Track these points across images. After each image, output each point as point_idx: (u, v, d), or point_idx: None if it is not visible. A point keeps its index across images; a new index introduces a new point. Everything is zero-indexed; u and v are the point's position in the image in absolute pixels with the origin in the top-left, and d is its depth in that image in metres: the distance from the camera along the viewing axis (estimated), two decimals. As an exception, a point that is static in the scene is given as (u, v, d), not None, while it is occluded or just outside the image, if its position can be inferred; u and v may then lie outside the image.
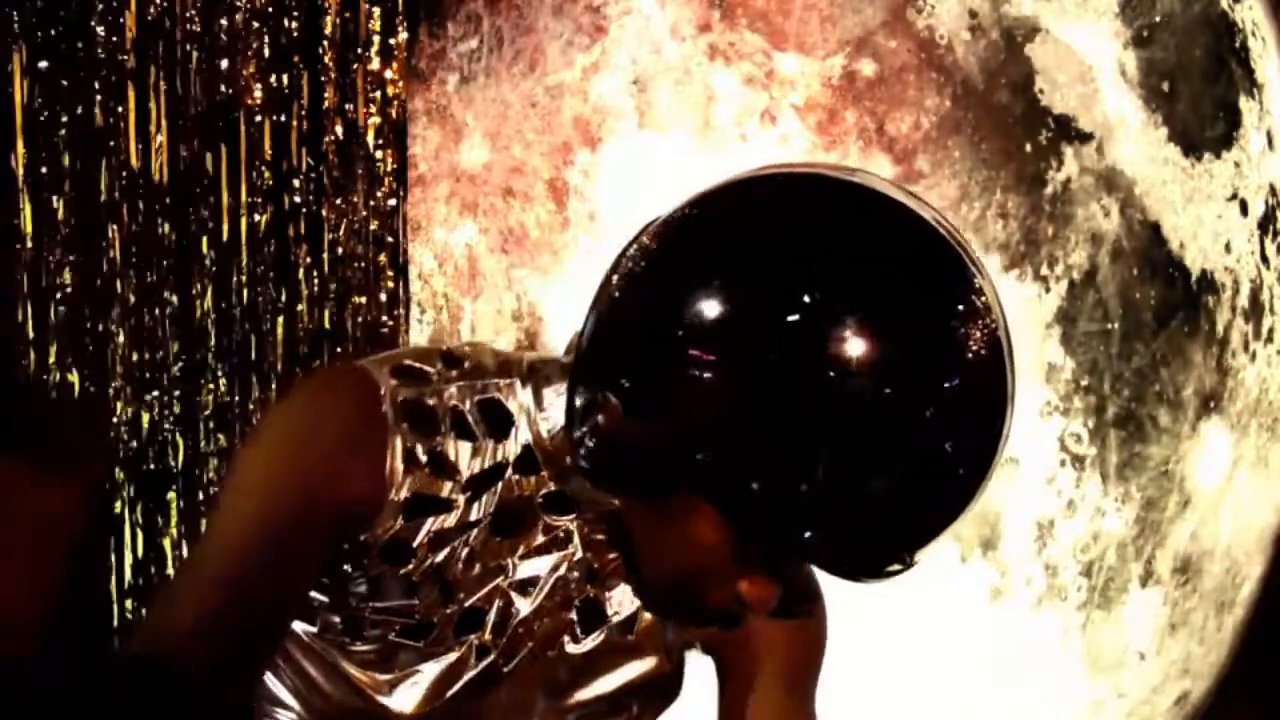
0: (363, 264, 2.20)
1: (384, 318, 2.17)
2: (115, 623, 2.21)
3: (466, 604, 1.15)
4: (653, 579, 1.07)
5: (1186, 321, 2.27)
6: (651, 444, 0.96)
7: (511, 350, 1.20)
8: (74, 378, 2.21)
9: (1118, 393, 2.21)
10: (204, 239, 2.19)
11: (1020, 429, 2.10)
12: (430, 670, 1.16)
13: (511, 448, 1.13)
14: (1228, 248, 2.33)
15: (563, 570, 1.17)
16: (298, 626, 1.19)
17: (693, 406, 0.93)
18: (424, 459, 1.10)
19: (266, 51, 2.17)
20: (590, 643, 1.20)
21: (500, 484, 1.13)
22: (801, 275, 0.92)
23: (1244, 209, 2.35)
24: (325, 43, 2.16)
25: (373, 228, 2.17)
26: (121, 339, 2.21)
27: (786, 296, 0.91)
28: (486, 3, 2.09)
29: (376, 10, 2.16)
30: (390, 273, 2.17)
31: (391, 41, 2.15)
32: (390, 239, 2.16)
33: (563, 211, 2.06)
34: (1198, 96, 2.30)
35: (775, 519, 0.93)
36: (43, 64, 2.16)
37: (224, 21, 2.19)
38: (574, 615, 1.19)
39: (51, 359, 2.20)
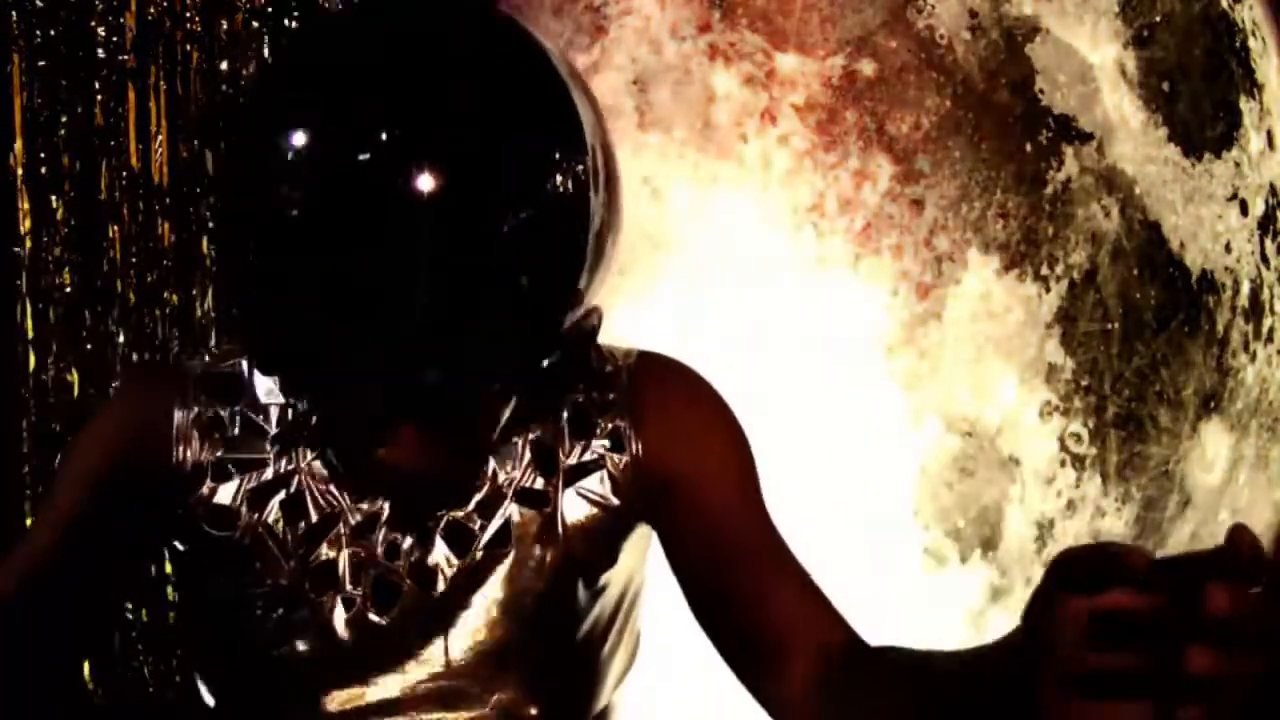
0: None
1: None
2: (116, 622, 2.21)
3: (310, 559, 1.13)
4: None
5: (1186, 321, 2.27)
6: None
7: None
8: (74, 378, 2.21)
9: (1118, 393, 2.21)
10: (204, 239, 2.19)
11: (1020, 429, 2.09)
12: (308, 637, 1.13)
13: None
14: (1228, 248, 2.33)
15: (398, 497, 1.14)
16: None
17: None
18: (227, 422, 1.13)
19: (266, 51, 2.16)
20: (467, 571, 1.14)
21: (288, 421, 1.14)
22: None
23: (1244, 209, 2.35)
24: (325, 43, 2.16)
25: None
26: (121, 339, 2.21)
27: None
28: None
29: (376, 10, 2.15)
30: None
31: (391, 41, 2.15)
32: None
33: (563, 211, 2.06)
34: (1198, 96, 2.30)
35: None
36: (42, 64, 2.16)
37: (224, 22, 2.19)
38: (437, 545, 1.14)
39: (51, 359, 2.20)
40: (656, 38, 2.05)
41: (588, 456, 1.18)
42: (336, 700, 1.14)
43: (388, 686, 1.14)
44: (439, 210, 0.91)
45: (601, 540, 1.19)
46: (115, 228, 2.20)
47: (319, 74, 0.97)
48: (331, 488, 1.13)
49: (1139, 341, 2.23)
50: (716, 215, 2.04)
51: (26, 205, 2.18)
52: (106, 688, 2.22)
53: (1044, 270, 2.15)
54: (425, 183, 0.90)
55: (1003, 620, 2.19)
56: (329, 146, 0.92)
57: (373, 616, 1.13)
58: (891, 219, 2.06)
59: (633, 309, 2.01)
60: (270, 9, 2.17)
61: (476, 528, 1.14)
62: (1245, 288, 2.35)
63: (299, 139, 0.93)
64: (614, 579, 1.22)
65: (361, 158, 0.90)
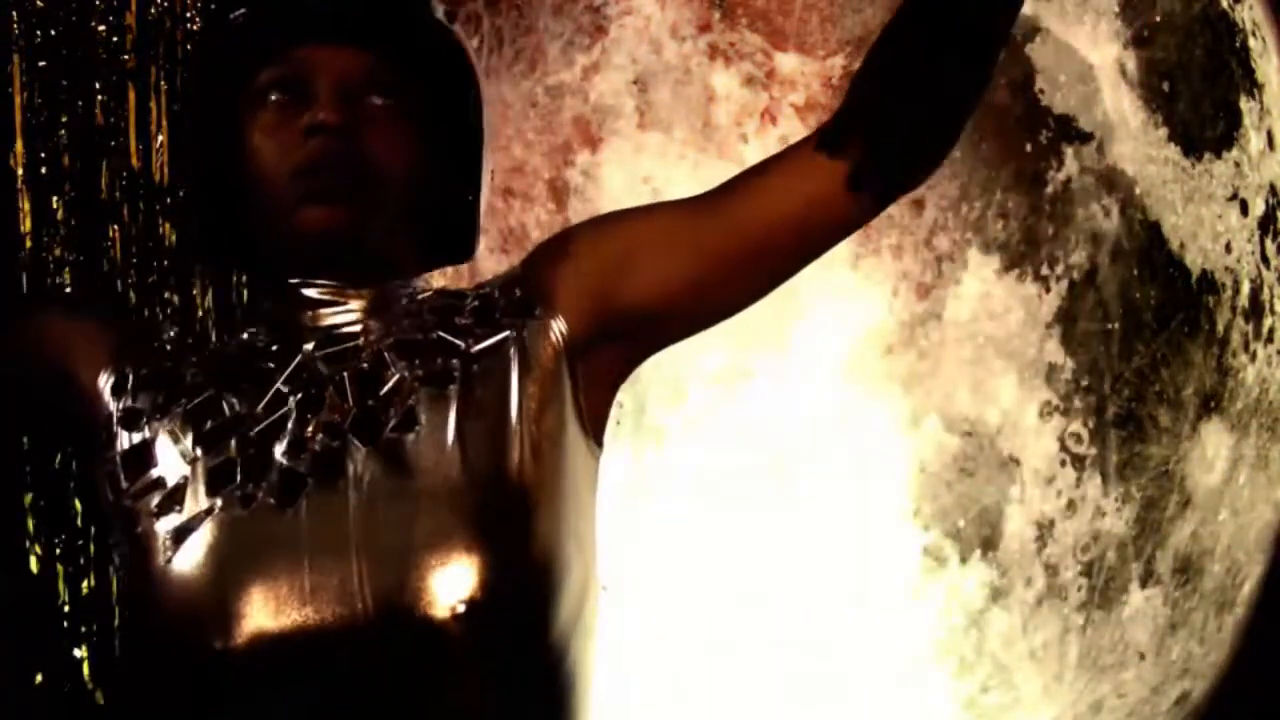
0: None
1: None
2: (116, 623, 2.21)
3: (209, 458, 1.15)
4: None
5: (1186, 321, 2.27)
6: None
7: None
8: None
9: (1118, 393, 2.21)
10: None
11: (1020, 429, 2.09)
12: (201, 538, 1.11)
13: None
14: (1228, 248, 2.33)
15: (304, 396, 1.16)
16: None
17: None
18: (170, 346, 1.25)
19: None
20: (376, 458, 1.12)
21: (217, 346, 1.24)
22: None
23: (1244, 209, 2.35)
24: (325, 43, 2.16)
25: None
26: (121, 339, 2.21)
27: None
28: (486, 3, 2.09)
29: (376, 10, 2.15)
30: (390, 273, 2.16)
31: (391, 41, 2.15)
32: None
33: (563, 211, 2.06)
34: (1198, 96, 2.30)
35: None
36: (42, 64, 2.17)
37: (224, 21, 2.18)
38: (343, 438, 1.13)
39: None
40: (656, 38, 2.05)
41: (494, 338, 1.18)
42: (242, 613, 1.08)
43: (291, 601, 1.08)
44: None
45: (515, 417, 1.16)
46: (115, 228, 2.20)
47: None
48: (236, 400, 1.17)
49: (1139, 341, 2.23)
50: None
51: (26, 205, 2.18)
52: (106, 688, 2.22)
53: (1044, 270, 2.15)
54: None
55: (1003, 620, 2.19)
56: None
57: (274, 508, 1.11)
58: (891, 219, 2.06)
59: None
60: (270, 9, 2.17)
61: (382, 416, 1.14)
62: (1245, 288, 2.35)
63: None
64: (549, 474, 1.16)
65: None
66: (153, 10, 2.18)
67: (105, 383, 1.22)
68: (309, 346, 1.19)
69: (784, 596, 2.05)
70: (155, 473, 1.16)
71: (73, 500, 2.22)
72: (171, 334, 1.28)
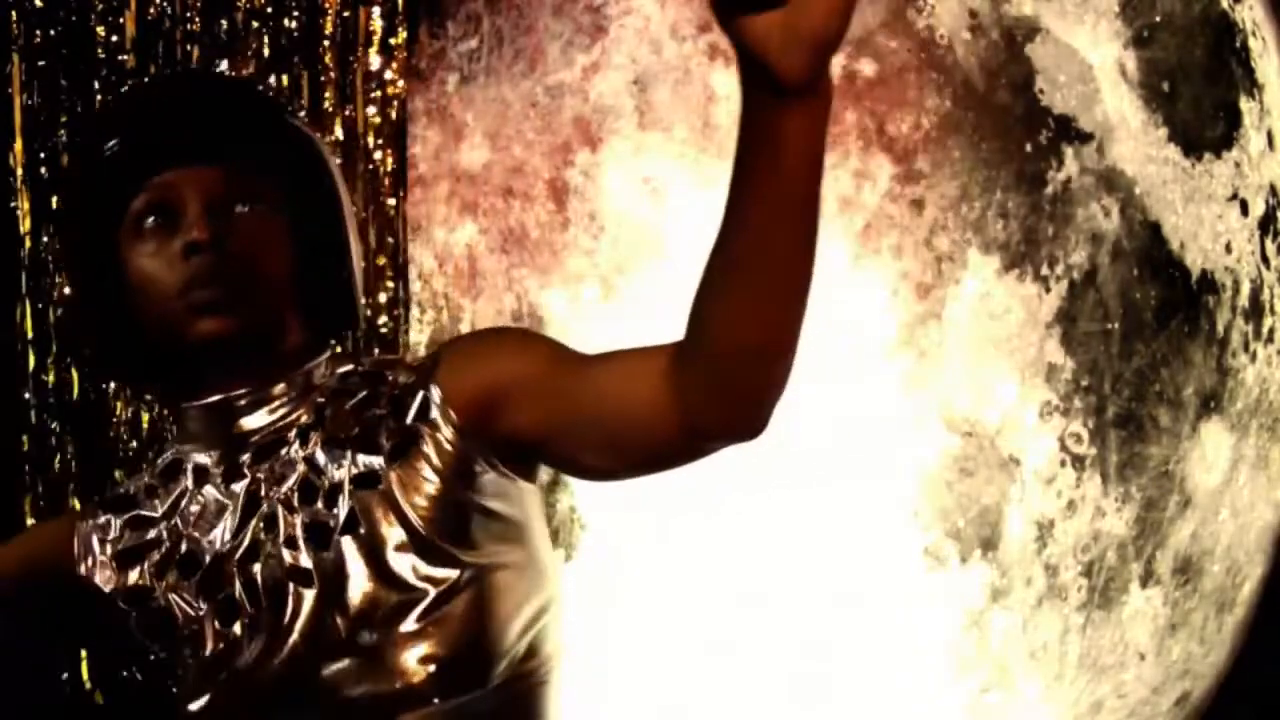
0: (362, 264, 2.20)
1: (384, 318, 2.17)
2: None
3: (212, 601, 1.32)
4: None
5: (1186, 321, 2.27)
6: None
7: None
8: (74, 378, 2.21)
9: (1118, 393, 2.21)
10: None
11: (1020, 429, 2.10)
12: (232, 668, 1.30)
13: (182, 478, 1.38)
14: (1228, 248, 2.33)
15: (260, 518, 1.32)
16: None
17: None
18: (116, 526, 1.38)
19: (266, 51, 2.17)
20: (335, 558, 1.28)
21: (163, 486, 1.38)
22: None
23: (1244, 209, 2.35)
24: (325, 42, 2.16)
25: (372, 228, 2.17)
26: (121, 339, 2.20)
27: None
28: (486, 3, 2.09)
29: (376, 10, 2.16)
30: (390, 273, 2.17)
31: (391, 41, 2.15)
32: (390, 239, 2.16)
33: (563, 211, 2.06)
34: (1198, 96, 2.30)
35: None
36: (42, 64, 2.17)
37: (224, 22, 2.19)
38: (303, 547, 1.29)
39: (51, 359, 2.20)
40: (656, 38, 2.05)
41: (406, 436, 1.31)
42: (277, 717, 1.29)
43: (312, 693, 1.27)
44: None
45: (445, 506, 1.29)
46: (115, 228, 2.20)
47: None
48: (208, 543, 1.33)
49: (1139, 341, 2.23)
50: (716, 215, 2.04)
51: (26, 205, 2.18)
52: (106, 688, 2.22)
53: (1044, 270, 2.15)
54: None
55: (1003, 620, 2.19)
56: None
57: (274, 620, 1.28)
58: (891, 219, 2.06)
59: (632, 309, 2.01)
60: (270, 9, 2.17)
61: (330, 522, 1.29)
62: (1245, 288, 2.35)
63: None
64: (487, 539, 1.30)
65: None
66: (152, 10, 2.18)
67: (84, 572, 1.38)
68: (246, 458, 1.33)
69: (784, 596, 2.05)
70: (177, 630, 1.33)
71: (72, 500, 2.22)
72: (111, 499, 1.42)
